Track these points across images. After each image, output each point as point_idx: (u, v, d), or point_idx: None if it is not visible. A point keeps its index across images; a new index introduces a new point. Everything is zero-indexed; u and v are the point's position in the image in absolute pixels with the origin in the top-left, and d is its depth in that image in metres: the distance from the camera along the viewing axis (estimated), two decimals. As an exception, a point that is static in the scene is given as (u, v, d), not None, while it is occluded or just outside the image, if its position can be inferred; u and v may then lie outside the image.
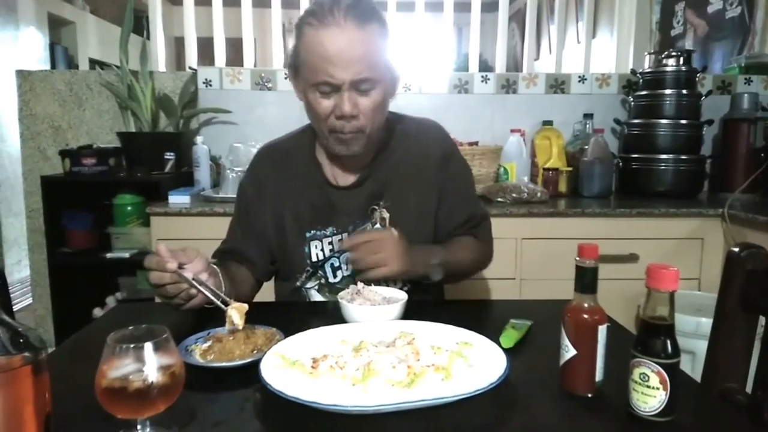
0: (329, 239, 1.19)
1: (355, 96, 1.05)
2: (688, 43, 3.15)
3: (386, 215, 1.18)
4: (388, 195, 1.19)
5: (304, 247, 1.19)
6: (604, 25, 3.89)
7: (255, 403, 0.72)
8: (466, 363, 0.77)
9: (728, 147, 2.40)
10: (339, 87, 1.04)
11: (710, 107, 2.39)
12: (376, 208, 1.19)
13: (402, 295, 1.00)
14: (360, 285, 1.03)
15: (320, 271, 1.20)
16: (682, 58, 2.34)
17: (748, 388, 0.94)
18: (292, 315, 1.05)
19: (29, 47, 4.54)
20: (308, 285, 1.21)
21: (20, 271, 4.13)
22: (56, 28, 5.26)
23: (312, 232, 1.19)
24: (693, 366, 1.54)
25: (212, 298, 0.92)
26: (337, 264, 1.20)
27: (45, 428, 0.57)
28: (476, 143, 2.42)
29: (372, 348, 0.79)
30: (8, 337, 0.55)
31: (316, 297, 1.22)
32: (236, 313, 0.89)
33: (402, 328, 0.86)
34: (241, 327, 0.88)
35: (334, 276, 1.19)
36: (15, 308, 2.31)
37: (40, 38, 4.75)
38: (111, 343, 0.61)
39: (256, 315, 0.94)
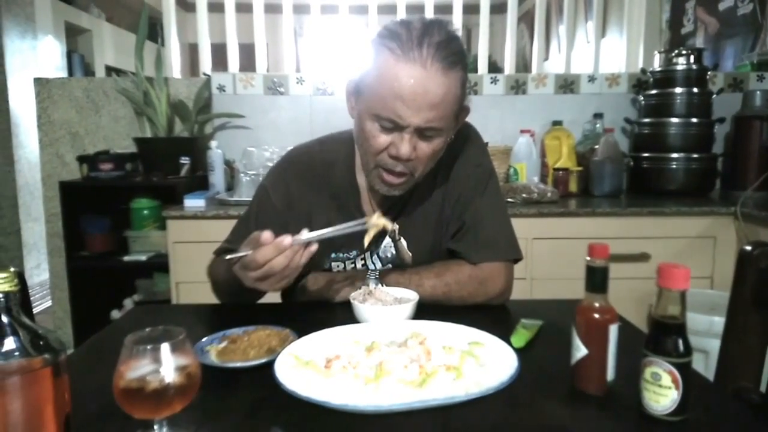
0: (352, 261, 1.18)
1: (416, 139, 0.97)
2: (699, 41, 3.12)
3: (395, 226, 1.16)
4: (403, 216, 1.16)
5: (325, 265, 1.18)
6: (614, 24, 3.87)
7: (269, 403, 0.73)
8: (477, 363, 0.78)
9: (740, 145, 2.38)
10: (402, 128, 0.96)
11: (722, 105, 2.37)
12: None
13: (413, 296, 1.01)
14: (372, 285, 1.04)
15: None
16: (692, 56, 2.33)
17: (762, 387, 0.94)
18: (305, 316, 1.06)
19: (47, 55, 4.62)
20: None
21: (39, 274, 4.20)
22: (73, 36, 5.33)
23: (337, 254, 1.17)
24: (706, 365, 1.53)
25: (350, 229, 0.97)
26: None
27: (65, 428, 0.58)
28: (486, 144, 2.42)
29: (384, 348, 0.80)
30: (28, 340, 0.56)
31: None
32: (378, 217, 0.98)
33: (413, 328, 0.87)
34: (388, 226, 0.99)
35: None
36: (35, 311, 2.34)
37: (57, 46, 4.82)
38: (128, 345, 0.62)
39: (269, 316, 0.95)
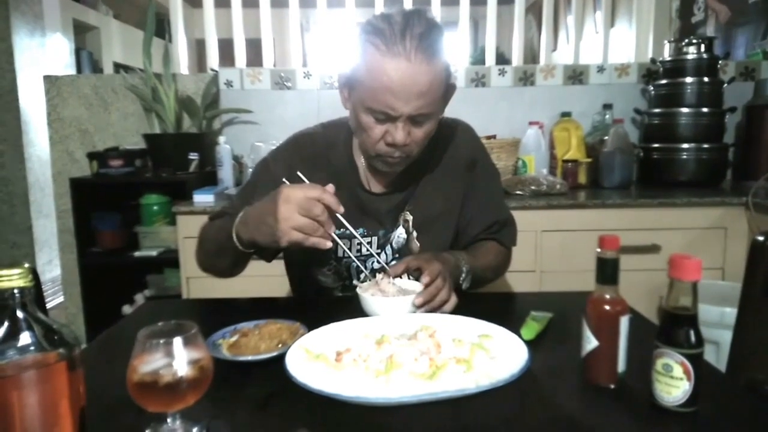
0: (358, 240, 1.18)
1: (409, 125, 1.03)
2: (710, 30, 3.08)
3: (409, 217, 1.19)
4: (414, 198, 1.20)
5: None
6: (623, 13, 3.83)
7: (281, 396, 0.74)
8: (487, 355, 0.78)
9: (752, 134, 2.35)
10: (395, 118, 1.01)
11: (733, 94, 2.34)
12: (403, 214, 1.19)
13: (419, 287, 1.00)
14: (379, 277, 1.04)
15: (345, 272, 1.21)
16: (703, 45, 2.30)
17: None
18: (315, 310, 1.07)
19: (56, 53, 4.64)
20: (330, 284, 1.22)
21: (51, 270, 4.23)
22: (81, 33, 5.35)
23: (341, 230, 1.17)
24: (717, 356, 1.52)
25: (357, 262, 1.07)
26: (361, 268, 1.19)
27: (80, 422, 0.59)
28: (494, 136, 2.42)
29: (394, 341, 0.80)
30: (43, 334, 0.57)
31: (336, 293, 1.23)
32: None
33: (423, 321, 0.88)
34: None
35: (357, 278, 1.20)
36: (47, 307, 2.37)
37: (65, 44, 4.84)
38: (141, 339, 0.63)
39: (280, 310, 0.96)
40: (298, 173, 1.04)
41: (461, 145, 1.23)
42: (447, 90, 1.08)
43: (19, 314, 0.56)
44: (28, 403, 0.56)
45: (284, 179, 1.02)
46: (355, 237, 1.16)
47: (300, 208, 0.90)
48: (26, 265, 0.57)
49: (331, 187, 0.94)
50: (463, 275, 1.11)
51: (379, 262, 1.14)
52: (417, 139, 1.06)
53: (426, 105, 1.01)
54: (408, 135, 1.03)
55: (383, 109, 1.00)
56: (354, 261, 1.09)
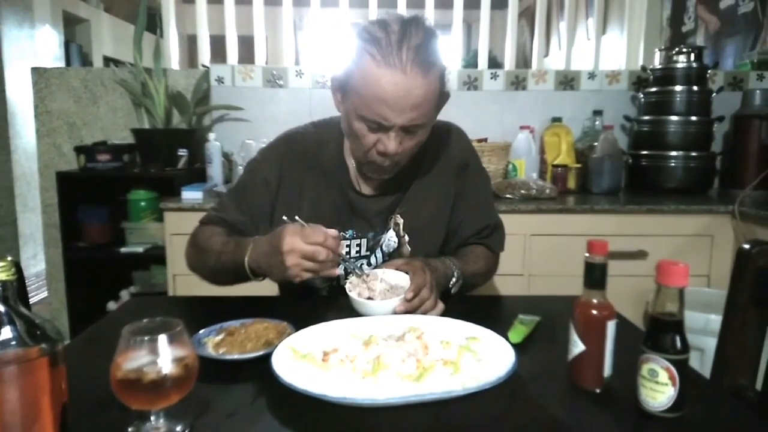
0: (347, 242, 1.18)
1: (402, 135, 1.03)
2: (700, 40, 3.12)
3: (400, 221, 1.18)
4: (405, 201, 1.19)
5: None
6: (614, 21, 3.86)
7: (267, 395, 0.73)
8: (474, 357, 0.78)
9: (739, 143, 2.38)
10: (388, 128, 1.01)
11: (721, 104, 2.37)
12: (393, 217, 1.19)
13: (406, 282, 1.00)
14: (366, 270, 1.04)
15: None
16: (693, 55, 2.32)
17: (758, 385, 0.94)
18: (303, 309, 1.06)
19: (45, 45, 4.59)
20: (318, 285, 1.22)
21: (36, 265, 4.18)
22: (71, 26, 5.30)
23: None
24: (701, 363, 1.53)
25: (360, 272, 1.04)
26: (351, 269, 1.19)
27: (61, 418, 0.58)
28: (485, 140, 2.43)
29: (382, 342, 0.80)
30: (25, 329, 0.56)
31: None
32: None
33: (411, 323, 0.87)
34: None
35: (346, 277, 1.20)
36: (31, 302, 2.33)
37: (55, 36, 4.79)
38: (126, 335, 0.62)
39: (267, 309, 0.95)
40: (296, 218, 1.00)
41: (453, 148, 1.23)
42: (441, 98, 1.07)
43: (1, 308, 0.55)
44: (9, 399, 0.55)
45: (284, 217, 1.01)
46: (348, 243, 1.16)
47: (305, 255, 0.93)
48: (9, 258, 0.56)
49: (333, 232, 0.95)
50: (453, 281, 1.11)
51: (362, 270, 1.13)
52: (408, 148, 1.06)
53: (419, 116, 1.00)
54: (400, 144, 1.03)
55: (376, 119, 1.00)
56: (343, 264, 1.09)
